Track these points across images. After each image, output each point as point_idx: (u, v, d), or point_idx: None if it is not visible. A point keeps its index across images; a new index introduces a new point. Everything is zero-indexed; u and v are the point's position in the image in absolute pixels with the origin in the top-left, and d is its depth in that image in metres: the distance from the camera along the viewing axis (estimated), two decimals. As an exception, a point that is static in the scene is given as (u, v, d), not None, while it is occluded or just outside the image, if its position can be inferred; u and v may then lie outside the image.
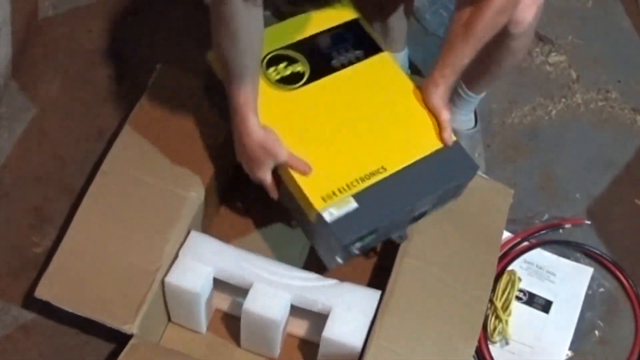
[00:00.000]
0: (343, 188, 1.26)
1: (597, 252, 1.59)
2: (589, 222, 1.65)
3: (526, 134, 1.78)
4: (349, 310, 1.32)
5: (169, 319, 1.43)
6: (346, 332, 1.31)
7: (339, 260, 1.28)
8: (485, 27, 1.31)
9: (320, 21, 1.45)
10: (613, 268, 1.58)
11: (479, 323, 1.37)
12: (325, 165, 1.29)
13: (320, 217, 1.24)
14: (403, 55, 1.75)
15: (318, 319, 1.35)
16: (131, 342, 1.29)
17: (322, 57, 1.40)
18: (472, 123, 1.70)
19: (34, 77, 1.78)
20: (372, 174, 1.29)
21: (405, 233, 1.37)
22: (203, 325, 1.42)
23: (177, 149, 1.44)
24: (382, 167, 1.30)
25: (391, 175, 1.30)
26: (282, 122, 1.32)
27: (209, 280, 1.36)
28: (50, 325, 1.42)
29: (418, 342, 1.32)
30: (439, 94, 1.38)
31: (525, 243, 1.59)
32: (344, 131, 1.33)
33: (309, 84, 1.37)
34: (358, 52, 1.42)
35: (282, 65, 1.38)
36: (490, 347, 1.46)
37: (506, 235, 1.59)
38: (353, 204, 1.25)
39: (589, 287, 1.55)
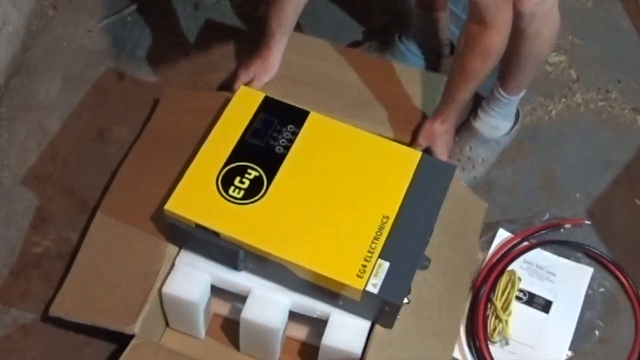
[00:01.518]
0: (367, 256, 1.27)
1: (597, 252, 1.59)
2: (589, 222, 1.65)
3: (526, 134, 1.78)
4: (347, 315, 1.32)
5: (167, 324, 1.44)
6: (345, 339, 1.30)
7: (399, 317, 1.29)
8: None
9: (237, 120, 1.41)
10: (613, 268, 1.58)
11: (457, 331, 1.42)
12: (337, 246, 1.28)
13: (366, 293, 1.24)
14: (446, 13, 1.75)
15: (317, 322, 1.35)
16: (133, 342, 1.29)
17: (264, 151, 1.38)
18: (500, 132, 1.70)
19: (34, 77, 1.78)
20: (381, 228, 1.30)
21: (427, 257, 1.36)
22: (202, 331, 1.41)
23: (180, 166, 1.43)
24: (385, 217, 1.31)
25: (397, 218, 1.31)
26: (276, 230, 1.29)
27: (207, 288, 1.35)
28: (50, 325, 1.42)
29: (414, 346, 1.33)
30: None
31: (525, 243, 1.58)
32: (331, 206, 1.32)
33: (272, 183, 1.34)
34: (290, 127, 1.40)
35: (237, 180, 1.34)
36: (490, 347, 1.46)
37: (506, 235, 1.59)
38: (385, 264, 1.26)
39: (589, 287, 1.55)
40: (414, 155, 1.40)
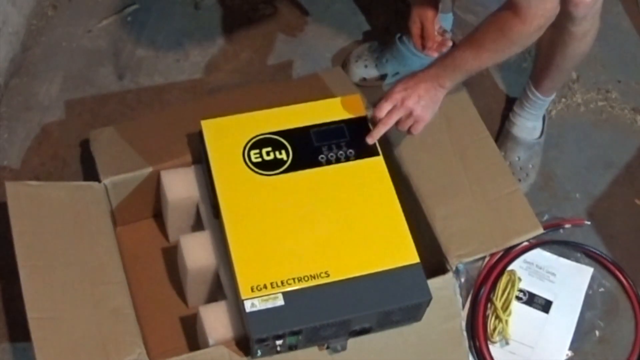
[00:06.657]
0: (276, 283, 1.24)
1: (597, 252, 1.59)
2: (589, 222, 1.65)
3: (526, 134, 1.78)
4: None
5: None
6: None
7: (259, 352, 1.24)
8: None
9: (325, 112, 1.42)
10: (613, 268, 1.58)
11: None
12: (269, 256, 1.26)
13: (243, 304, 1.22)
14: (449, 17, 1.74)
15: None
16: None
17: (309, 150, 1.37)
18: (538, 133, 1.70)
19: (34, 77, 1.78)
20: (313, 276, 1.25)
21: (345, 344, 1.28)
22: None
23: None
24: (325, 272, 1.26)
25: (332, 283, 1.25)
26: (248, 204, 1.31)
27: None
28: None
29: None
30: None
31: (525, 243, 1.58)
32: (303, 228, 1.30)
33: (285, 174, 1.34)
34: (350, 152, 1.38)
35: (265, 150, 1.36)
36: (490, 347, 1.46)
37: (506, 235, 1.60)
38: (279, 302, 1.22)
39: (589, 287, 1.55)
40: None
